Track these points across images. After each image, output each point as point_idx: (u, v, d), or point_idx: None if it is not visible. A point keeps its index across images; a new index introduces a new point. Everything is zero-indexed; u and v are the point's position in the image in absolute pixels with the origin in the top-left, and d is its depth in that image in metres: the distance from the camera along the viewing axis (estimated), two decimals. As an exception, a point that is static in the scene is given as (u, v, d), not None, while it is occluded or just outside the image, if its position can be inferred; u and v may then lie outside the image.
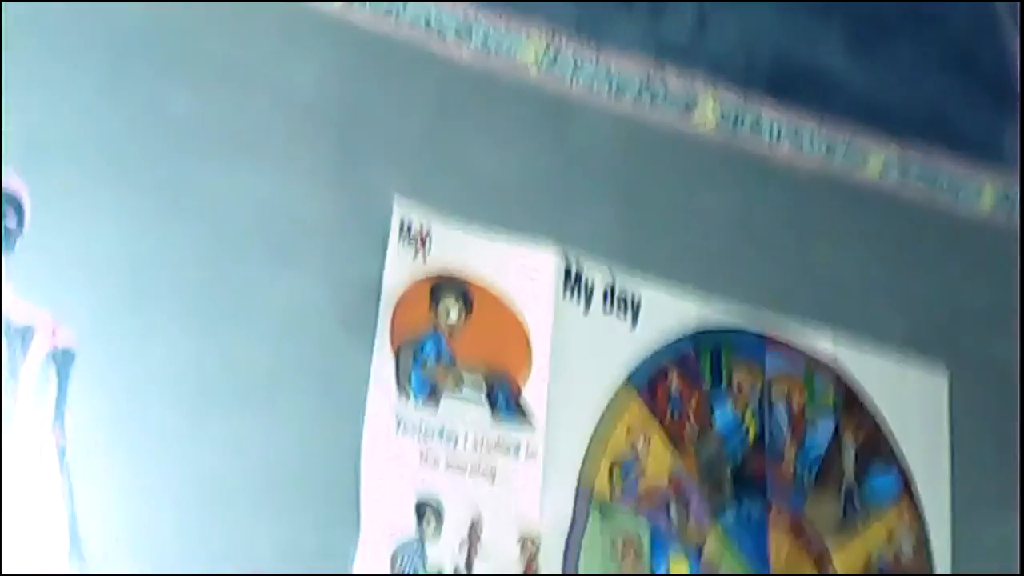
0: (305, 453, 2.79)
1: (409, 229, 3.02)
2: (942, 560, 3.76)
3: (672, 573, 3.25)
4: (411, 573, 2.88)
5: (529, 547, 3.03)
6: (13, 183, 2.56)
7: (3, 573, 2.50)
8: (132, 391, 2.62)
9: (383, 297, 2.93)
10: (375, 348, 2.91)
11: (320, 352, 2.84)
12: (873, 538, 3.65)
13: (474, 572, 2.96)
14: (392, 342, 2.93)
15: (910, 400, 3.79)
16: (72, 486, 2.53)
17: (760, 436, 3.50)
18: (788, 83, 3.68)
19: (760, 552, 3.43)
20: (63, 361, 2.56)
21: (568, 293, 3.21)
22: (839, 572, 3.55)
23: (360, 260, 2.94)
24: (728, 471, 3.42)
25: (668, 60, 3.47)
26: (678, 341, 3.39)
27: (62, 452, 2.53)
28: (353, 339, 2.89)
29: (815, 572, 3.52)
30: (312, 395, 2.81)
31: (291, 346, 2.80)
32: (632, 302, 3.32)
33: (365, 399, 2.88)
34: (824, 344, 3.64)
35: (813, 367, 3.63)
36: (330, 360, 2.85)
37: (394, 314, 2.95)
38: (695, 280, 3.40)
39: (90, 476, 2.56)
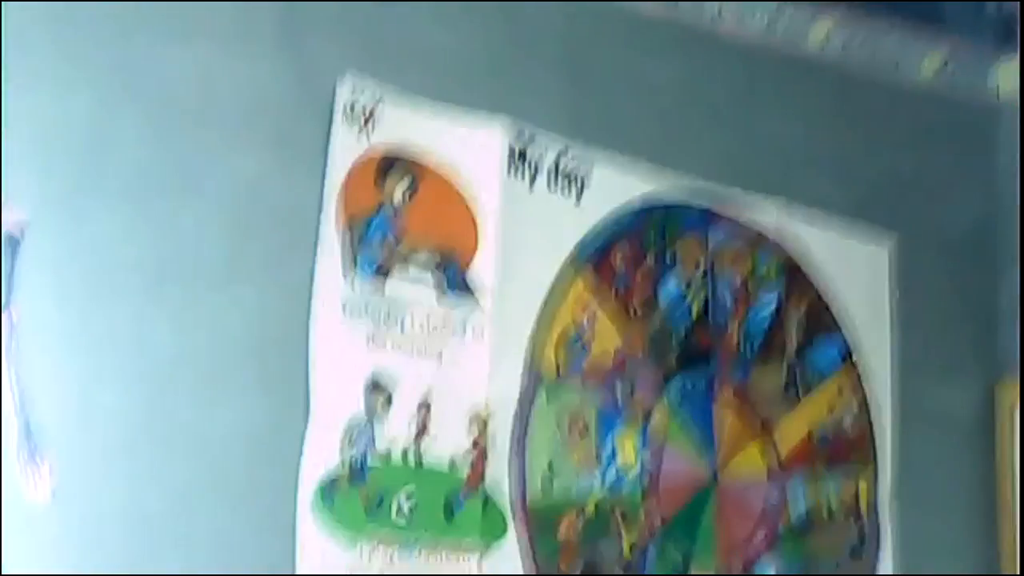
0: (254, 334, 2.79)
1: (354, 107, 2.99)
2: (883, 428, 3.83)
3: (619, 447, 3.30)
4: (361, 452, 2.89)
5: (478, 424, 3.06)
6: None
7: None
8: (81, 271, 2.60)
9: (329, 176, 2.91)
10: (322, 228, 2.89)
11: (269, 231, 2.83)
12: (816, 408, 3.71)
13: (423, 450, 2.98)
14: (339, 221, 2.92)
15: (853, 270, 3.82)
16: (21, 366, 2.52)
17: (705, 309, 3.53)
18: (730, -45, 3.66)
19: (705, 424, 3.48)
20: (11, 241, 2.54)
21: (514, 170, 3.20)
22: (782, 441, 3.62)
23: (307, 138, 2.92)
24: (674, 345, 3.45)
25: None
26: (623, 216, 3.39)
27: (11, 332, 2.52)
28: (301, 218, 2.87)
29: (759, 441, 3.58)
30: (261, 275, 2.80)
31: (240, 226, 2.78)
32: (578, 178, 3.31)
33: (311, 279, 2.86)
34: (768, 216, 3.66)
35: (757, 239, 3.65)
36: (279, 240, 2.84)
37: (341, 193, 2.92)
38: (640, 154, 3.39)
39: (40, 357, 2.55)
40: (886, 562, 3.76)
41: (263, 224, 2.82)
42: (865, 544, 3.74)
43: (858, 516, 3.76)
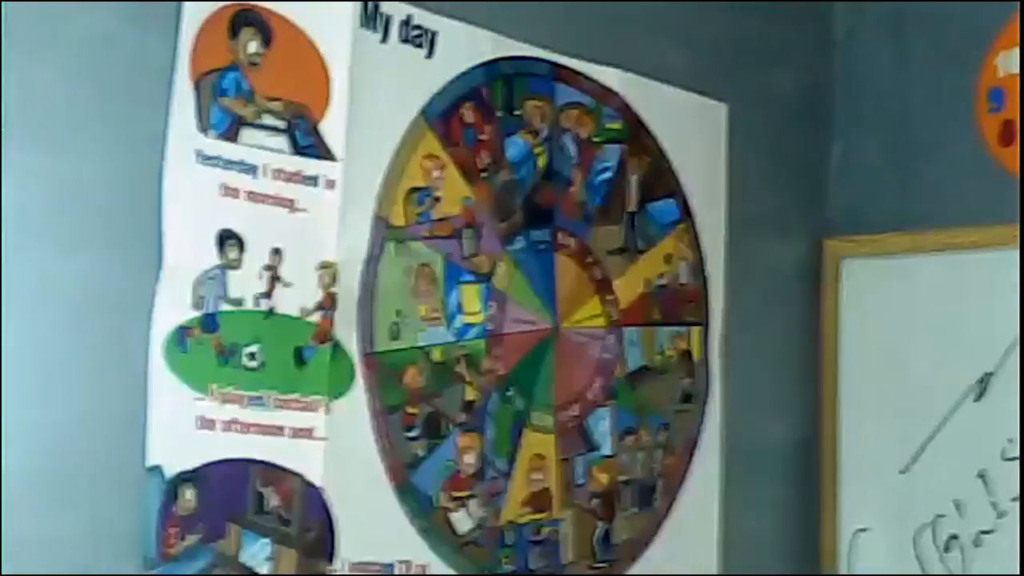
0: (105, 188, 2.77)
1: (205, -39, 2.97)
2: (715, 284, 3.97)
3: (465, 299, 3.38)
4: (214, 301, 2.93)
5: (328, 274, 3.11)
6: None
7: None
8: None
9: (181, 29, 2.90)
10: (174, 81, 2.88)
11: (120, 84, 2.81)
12: (652, 262, 3.84)
13: (275, 299, 3.03)
14: (191, 75, 2.91)
15: (690, 131, 3.94)
16: None
17: (549, 165, 3.61)
18: None
19: (547, 278, 3.59)
20: None
21: (366, 23, 3.22)
22: (620, 296, 3.74)
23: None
24: (519, 200, 3.53)
25: None
26: (472, 72, 3.44)
27: None
28: (152, 72, 2.86)
29: (598, 296, 3.69)
30: (112, 128, 2.78)
31: (92, 81, 2.76)
32: (428, 33, 3.34)
33: (164, 133, 2.86)
34: (611, 78, 3.73)
35: (601, 98, 3.73)
36: (131, 95, 2.82)
37: (193, 47, 2.92)
38: (488, 17, 3.43)
39: None
40: (714, 411, 3.94)
41: (115, 80, 2.79)
42: (695, 394, 3.91)
43: (690, 367, 3.92)
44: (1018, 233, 3.79)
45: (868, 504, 4.08)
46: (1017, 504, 3.76)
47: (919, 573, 3.92)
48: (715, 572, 3.91)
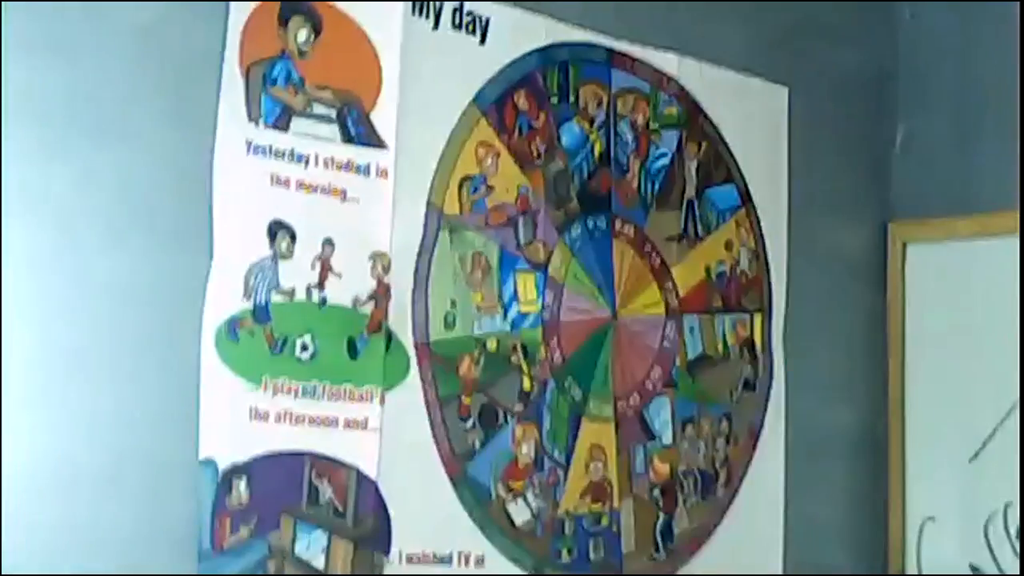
0: (155, 179, 2.77)
1: (253, -50, 2.95)
2: (777, 269, 3.92)
3: (520, 287, 3.35)
4: (265, 291, 2.92)
5: (381, 264, 3.09)
6: None
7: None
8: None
9: (230, 19, 2.88)
10: (224, 71, 2.87)
11: (169, 75, 2.80)
12: (712, 249, 3.79)
13: (327, 289, 3.01)
14: (241, 64, 2.90)
15: (751, 114, 3.89)
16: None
17: (605, 152, 3.57)
18: None
19: (605, 265, 3.55)
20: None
21: (417, 10, 3.19)
22: (679, 282, 3.69)
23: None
24: (574, 187, 3.50)
25: None
26: (525, 58, 3.41)
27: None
28: (200, 63, 2.85)
29: (657, 283, 3.65)
30: (159, 121, 2.77)
31: (137, 72, 2.75)
32: (480, 19, 3.31)
33: (213, 124, 2.85)
34: (668, 62, 3.69)
35: (657, 83, 3.69)
36: (179, 84, 2.81)
37: (242, 36, 2.90)
38: (540, 4, 3.40)
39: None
40: (777, 399, 3.89)
41: (164, 71, 2.78)
42: (757, 382, 3.86)
43: (752, 354, 3.86)
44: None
45: (936, 493, 4.00)
46: (1088, 491, 3.69)
47: (989, 562, 3.85)
48: (779, 563, 3.86)
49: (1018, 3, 3.93)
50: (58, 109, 2.64)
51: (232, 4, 2.89)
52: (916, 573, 3.99)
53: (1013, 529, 3.81)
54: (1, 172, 2.57)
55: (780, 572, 3.84)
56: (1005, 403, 3.85)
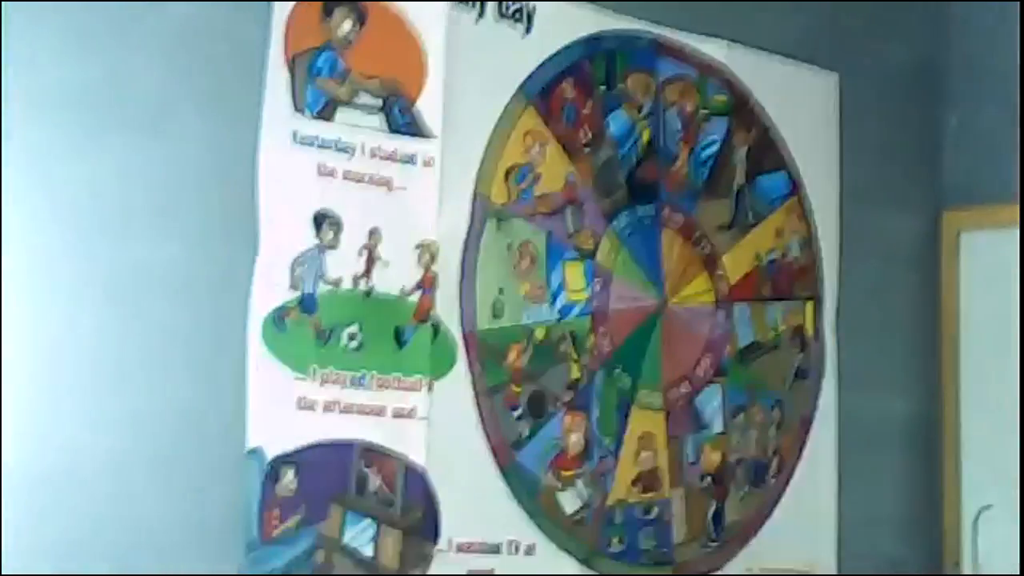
0: (201, 171, 2.78)
1: (297, -57, 2.96)
2: (830, 255, 3.90)
3: (568, 276, 3.35)
4: (312, 281, 2.93)
5: (428, 254, 3.09)
6: None
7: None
8: (25, 119, 2.56)
9: (275, 11, 2.89)
10: (268, 62, 2.88)
11: (213, 67, 2.81)
12: (762, 238, 3.77)
13: (373, 279, 3.01)
14: (286, 55, 2.91)
15: (800, 103, 3.87)
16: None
17: (653, 140, 3.56)
18: None
19: (653, 255, 3.54)
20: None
21: (461, 1, 3.19)
22: (729, 271, 3.68)
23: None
24: (622, 176, 3.49)
25: None
26: (571, 47, 3.40)
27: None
28: (245, 54, 2.86)
29: (705, 271, 3.64)
30: (205, 113, 2.79)
31: (182, 64, 2.76)
32: (526, 9, 3.31)
33: (259, 115, 2.86)
34: (716, 50, 3.67)
35: (705, 71, 3.67)
36: (223, 76, 2.82)
37: (286, 27, 2.91)
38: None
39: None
40: (829, 387, 3.86)
41: (209, 63, 2.80)
42: (809, 370, 3.84)
43: (803, 342, 3.84)
44: None
45: (991, 481, 3.96)
46: None
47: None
48: (832, 552, 3.83)
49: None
50: (102, 103, 2.66)
51: (277, -4, 2.90)
52: (972, 562, 3.95)
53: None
54: (45, 167, 2.59)
55: (833, 561, 3.81)
56: (1060, 390, 3.82)
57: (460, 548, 3.12)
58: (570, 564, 3.32)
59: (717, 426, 3.63)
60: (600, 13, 3.43)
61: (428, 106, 3.11)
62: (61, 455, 2.59)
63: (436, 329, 3.10)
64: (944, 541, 4.04)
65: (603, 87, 3.45)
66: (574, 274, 3.37)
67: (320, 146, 2.95)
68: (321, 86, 2.96)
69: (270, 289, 2.87)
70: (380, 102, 3.04)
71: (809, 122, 3.88)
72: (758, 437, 3.71)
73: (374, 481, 3.00)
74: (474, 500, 3.15)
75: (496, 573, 3.17)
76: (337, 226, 2.96)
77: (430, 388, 3.07)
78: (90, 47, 2.65)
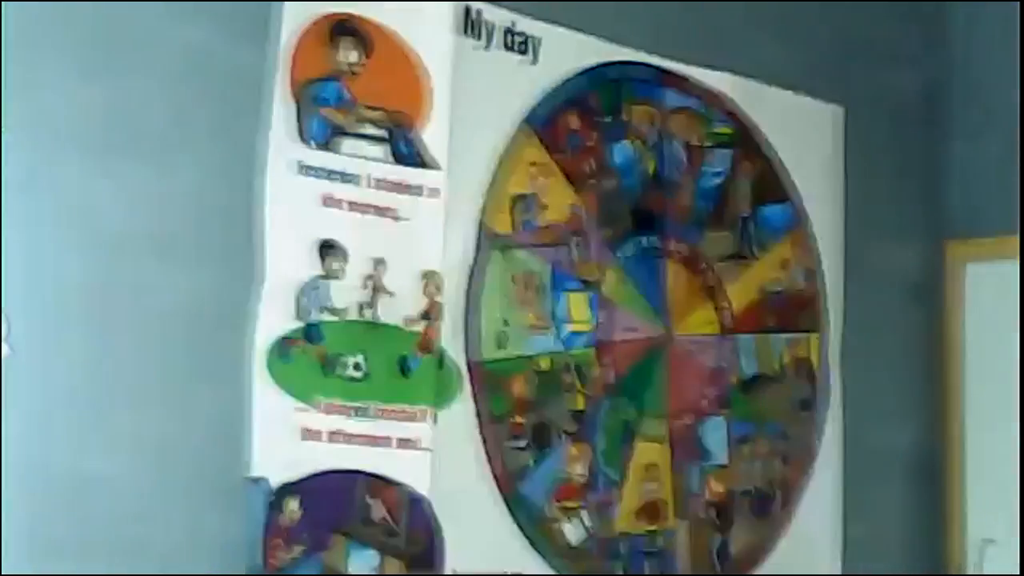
0: (206, 200, 2.79)
1: (302, -28, 2.97)
2: (834, 286, 3.90)
3: (572, 307, 3.35)
4: (316, 311, 2.93)
5: (431, 284, 3.10)
6: None
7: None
8: (28, 142, 2.58)
9: (281, 40, 2.90)
10: (275, 92, 2.89)
11: (219, 96, 2.82)
12: (766, 269, 3.77)
13: (378, 309, 3.01)
14: (292, 85, 2.92)
15: (803, 135, 3.87)
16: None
17: (657, 171, 3.56)
18: None
19: (657, 285, 3.54)
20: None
21: (467, 31, 3.20)
22: (733, 302, 3.68)
23: (251, 7, 2.88)
24: (626, 206, 3.49)
25: None
26: (576, 78, 3.41)
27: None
28: (250, 83, 2.87)
29: (710, 302, 3.64)
30: (209, 142, 2.80)
31: (187, 93, 2.77)
32: (532, 39, 3.32)
33: (264, 144, 2.87)
34: (720, 81, 3.68)
35: (709, 102, 3.68)
36: (228, 104, 2.83)
37: (292, 57, 2.92)
38: (592, 22, 3.40)
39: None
40: (834, 419, 3.86)
41: (214, 92, 2.81)
42: (813, 401, 3.83)
43: (808, 374, 3.84)
44: None
45: (995, 513, 3.95)
46: None
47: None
48: (835, 583, 3.83)
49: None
50: (105, 129, 2.67)
51: (283, 24, 2.90)
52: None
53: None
54: (49, 195, 2.60)
55: (838, 592, 3.81)
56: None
57: (463, 579, 3.12)
58: (574, 595, 3.31)
59: (721, 457, 3.62)
60: (605, 44, 3.44)
61: (433, 136, 3.11)
62: (59, 482, 2.59)
63: (440, 359, 3.10)
64: (947, 571, 4.02)
65: (608, 117, 3.46)
66: (578, 304, 3.37)
67: (325, 176, 2.96)
68: (326, 116, 2.97)
69: (274, 318, 2.87)
70: (385, 132, 3.05)
71: (813, 153, 3.88)
72: (762, 468, 3.70)
73: (378, 511, 2.99)
74: (477, 530, 3.15)
75: (499, 603, 3.17)
76: (342, 256, 2.97)
77: (434, 418, 3.07)
78: (93, 72, 2.66)
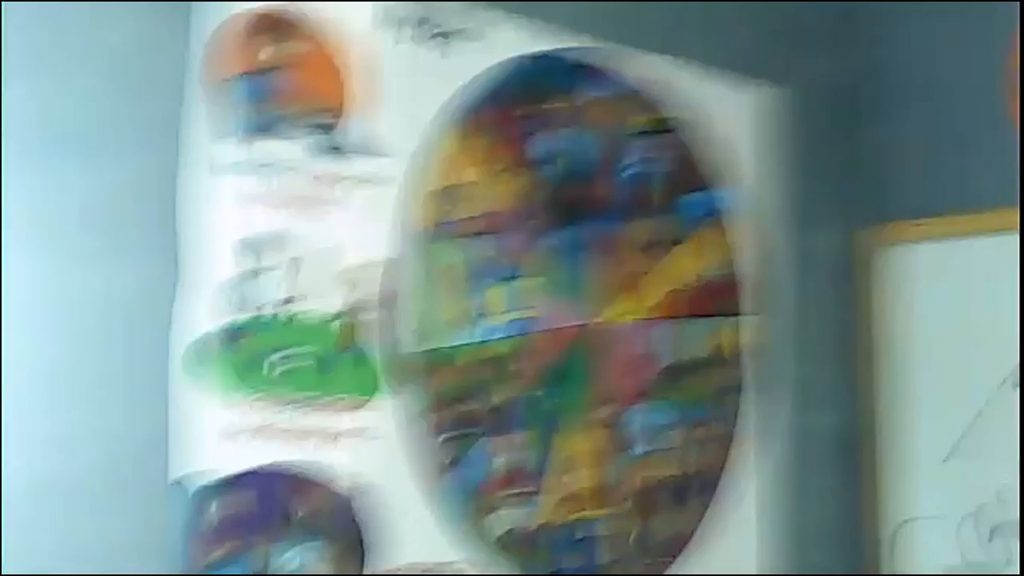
0: (124, 198, 2.77)
1: (217, -31, 2.95)
2: (761, 269, 3.93)
3: (491, 302, 3.35)
4: (234, 312, 2.91)
5: (351, 279, 3.08)
6: None
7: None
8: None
9: (195, 35, 2.88)
10: (194, 91, 2.86)
11: (133, 96, 2.79)
12: (687, 255, 3.78)
13: (295, 308, 3.00)
14: (208, 81, 2.89)
15: (725, 119, 3.88)
16: None
17: (575, 162, 3.56)
18: None
19: (578, 275, 3.54)
20: None
21: (385, 23, 3.19)
22: (652, 292, 3.69)
23: (169, 7, 2.86)
24: (545, 198, 3.49)
25: None
26: (493, 72, 3.40)
27: None
28: (166, 81, 2.84)
29: (630, 291, 3.65)
30: (126, 140, 2.77)
31: (102, 92, 2.75)
32: (449, 30, 3.30)
33: (184, 144, 2.84)
34: (641, 67, 3.68)
35: (628, 90, 3.68)
36: (147, 102, 2.81)
37: (208, 52, 2.90)
38: (510, 7, 3.39)
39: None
40: (755, 405, 3.88)
41: (128, 93, 2.78)
42: (735, 388, 3.86)
43: (733, 360, 3.86)
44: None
45: (913, 495, 4.01)
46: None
47: (964, 564, 3.85)
48: (756, 568, 3.85)
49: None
50: (25, 126, 2.63)
51: (197, 20, 2.88)
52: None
53: (986, 530, 3.81)
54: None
55: (759, 577, 3.84)
56: (976, 404, 3.86)
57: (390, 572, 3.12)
58: (500, 587, 3.32)
59: (644, 446, 3.64)
60: (524, 33, 3.44)
61: (353, 130, 3.10)
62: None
63: (361, 354, 3.09)
64: (867, 555, 4.07)
65: (524, 109, 3.45)
66: (498, 297, 3.37)
67: (243, 172, 2.94)
68: (244, 113, 2.94)
69: (193, 317, 2.85)
70: (305, 127, 3.03)
71: (733, 139, 3.90)
72: (684, 456, 3.72)
73: (302, 509, 2.99)
74: (404, 525, 3.14)
75: (425, 598, 3.17)
76: (260, 253, 2.95)
77: (356, 414, 3.06)
78: (12, 71, 2.62)
